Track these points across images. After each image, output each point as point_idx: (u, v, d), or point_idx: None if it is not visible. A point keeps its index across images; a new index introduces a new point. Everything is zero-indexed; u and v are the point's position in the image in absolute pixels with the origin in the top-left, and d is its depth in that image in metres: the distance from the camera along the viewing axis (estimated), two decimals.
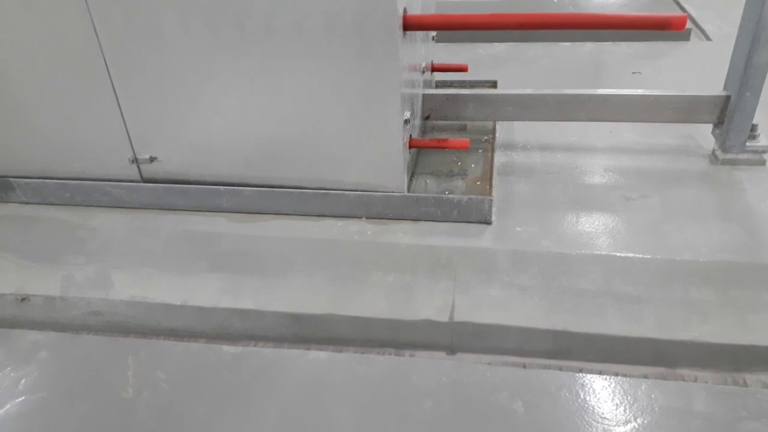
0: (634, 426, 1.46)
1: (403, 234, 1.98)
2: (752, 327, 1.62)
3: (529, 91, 2.27)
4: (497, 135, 2.45)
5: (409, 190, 2.06)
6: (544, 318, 1.69)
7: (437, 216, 2.02)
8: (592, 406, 1.52)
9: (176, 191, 2.16)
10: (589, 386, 1.58)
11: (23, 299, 1.90)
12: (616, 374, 1.62)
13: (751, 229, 1.91)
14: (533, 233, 1.94)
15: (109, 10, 1.84)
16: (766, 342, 1.59)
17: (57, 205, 2.27)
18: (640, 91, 2.21)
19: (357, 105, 1.87)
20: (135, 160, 2.13)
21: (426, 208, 2.02)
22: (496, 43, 3.68)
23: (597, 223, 1.97)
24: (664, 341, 1.62)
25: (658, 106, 2.20)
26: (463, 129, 2.49)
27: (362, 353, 1.74)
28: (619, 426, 1.46)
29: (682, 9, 3.98)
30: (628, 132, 2.48)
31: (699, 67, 3.11)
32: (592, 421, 1.48)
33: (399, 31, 1.74)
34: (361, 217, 2.08)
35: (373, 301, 1.77)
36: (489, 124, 2.50)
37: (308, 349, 1.76)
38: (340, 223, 2.06)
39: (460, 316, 1.71)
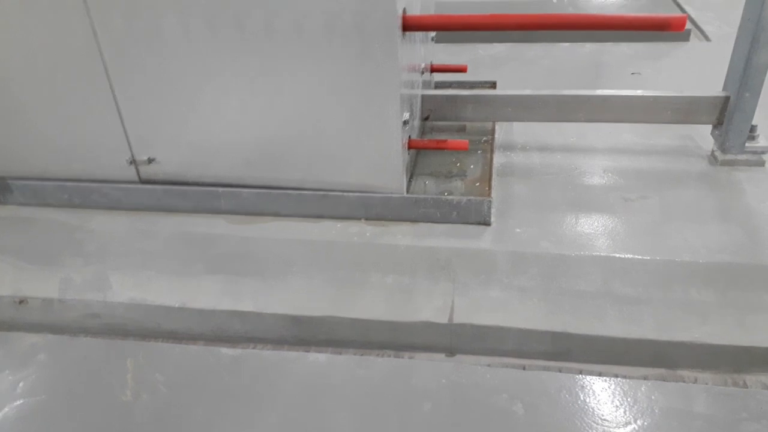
0: (634, 428, 1.46)
1: (403, 235, 1.98)
2: (752, 328, 1.62)
3: (528, 91, 2.27)
4: (496, 136, 2.45)
5: (408, 192, 2.05)
6: (543, 319, 1.68)
7: (436, 217, 2.02)
8: (592, 408, 1.52)
9: (175, 193, 2.15)
10: (588, 388, 1.57)
11: (21, 302, 1.90)
12: (616, 376, 1.62)
13: (751, 230, 1.90)
14: (532, 234, 1.94)
15: (109, 11, 1.84)
16: (766, 343, 1.59)
17: (55, 206, 2.26)
18: (639, 92, 2.21)
19: (356, 106, 1.87)
20: (133, 162, 2.12)
21: (425, 210, 2.02)
22: (495, 44, 3.68)
23: (596, 224, 1.97)
24: (663, 342, 1.62)
25: (657, 106, 2.20)
26: (462, 130, 2.49)
27: (362, 355, 1.74)
28: (619, 428, 1.46)
29: (682, 10, 3.98)
30: (627, 133, 2.48)
31: (698, 68, 3.11)
32: (592, 423, 1.47)
33: (398, 31, 1.74)
34: (360, 219, 2.07)
35: (372, 303, 1.76)
36: (488, 124, 2.50)
37: (307, 351, 1.76)
38: (339, 224, 2.06)
39: (460, 318, 1.70)
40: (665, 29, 1.77)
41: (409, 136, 2.05)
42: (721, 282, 1.74)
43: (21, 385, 1.68)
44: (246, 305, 1.80)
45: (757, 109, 2.12)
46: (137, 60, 1.91)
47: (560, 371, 1.66)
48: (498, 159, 2.34)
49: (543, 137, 2.48)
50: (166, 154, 2.10)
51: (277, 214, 2.12)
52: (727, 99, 2.15)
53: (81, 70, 1.96)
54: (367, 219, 2.07)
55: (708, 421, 1.46)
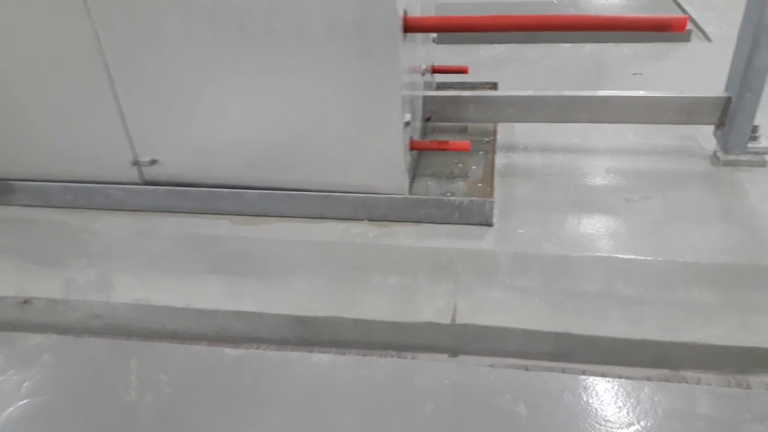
0: (637, 429, 1.46)
1: (405, 236, 1.98)
2: (755, 329, 1.62)
3: (529, 92, 2.27)
4: (498, 137, 2.45)
5: (410, 192, 2.06)
6: (545, 320, 1.68)
7: (438, 218, 2.02)
8: (595, 409, 1.52)
9: (178, 194, 2.16)
10: (591, 389, 1.58)
11: (25, 302, 1.90)
12: (619, 376, 1.62)
13: (753, 231, 1.90)
14: (535, 235, 1.94)
15: (111, 13, 1.85)
16: None
17: (59, 207, 2.27)
18: (641, 93, 2.21)
19: (358, 107, 1.87)
20: (136, 163, 2.13)
21: (427, 210, 2.02)
22: (496, 45, 3.68)
23: (598, 224, 1.97)
24: (666, 343, 1.62)
25: (659, 107, 2.20)
26: (463, 131, 2.49)
27: (364, 356, 1.74)
28: (621, 428, 1.46)
29: (683, 10, 3.98)
30: (629, 133, 2.48)
31: (700, 68, 3.11)
32: (595, 424, 1.47)
33: (399, 33, 1.74)
34: (362, 220, 2.08)
35: (375, 304, 1.77)
36: (490, 125, 2.50)
37: (310, 352, 1.76)
38: (341, 225, 2.06)
39: (462, 319, 1.70)
40: (666, 30, 1.77)
41: (411, 137, 2.05)
42: (724, 283, 1.74)
43: (25, 385, 1.68)
44: (249, 306, 1.80)
45: (759, 109, 2.12)
46: (139, 62, 1.92)
47: (563, 372, 1.66)
48: (500, 160, 2.34)
49: (545, 138, 2.48)
50: (169, 156, 2.11)
51: (279, 215, 2.12)
52: (728, 99, 2.15)
53: (83, 72, 1.97)
54: (369, 220, 2.07)
55: (711, 422, 1.46)
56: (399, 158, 1.95)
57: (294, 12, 1.74)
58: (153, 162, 2.12)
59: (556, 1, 4.15)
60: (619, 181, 2.19)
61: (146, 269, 1.96)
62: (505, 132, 2.54)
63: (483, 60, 3.48)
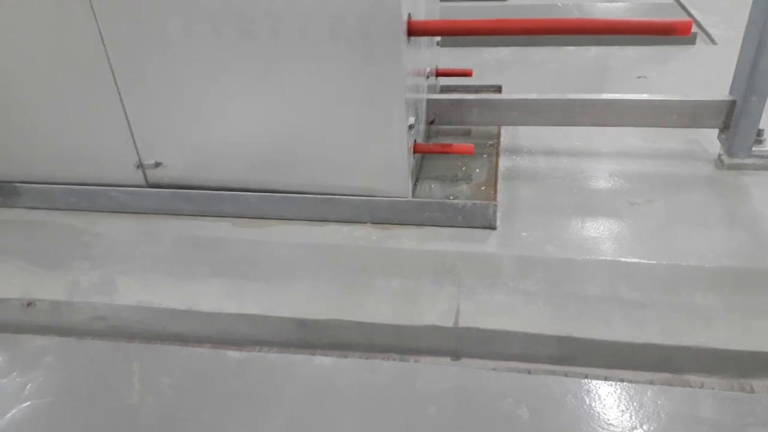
0: None
1: (408, 239, 1.98)
2: (759, 333, 1.61)
3: (533, 95, 2.27)
4: (502, 140, 2.45)
5: (413, 195, 2.06)
6: (549, 323, 1.68)
7: (442, 221, 2.02)
8: (598, 413, 1.51)
9: (181, 196, 2.16)
10: (594, 392, 1.57)
11: (29, 304, 1.91)
12: (622, 380, 1.61)
13: (758, 235, 1.90)
14: (538, 238, 1.93)
15: (115, 15, 1.85)
16: None
17: (62, 210, 2.28)
18: (645, 96, 2.21)
19: (361, 110, 1.87)
20: (140, 166, 2.14)
21: (430, 214, 2.02)
22: (501, 48, 3.68)
23: (602, 228, 1.97)
24: (669, 347, 1.61)
25: (663, 110, 2.20)
26: (467, 134, 2.49)
27: (367, 359, 1.74)
28: None
29: (688, 13, 3.97)
30: (633, 137, 2.47)
31: (704, 71, 3.11)
32: (598, 428, 1.47)
33: (403, 36, 1.75)
34: (365, 223, 2.08)
35: (377, 307, 1.77)
36: (494, 128, 2.50)
37: (313, 355, 1.76)
38: (344, 228, 2.06)
39: (465, 322, 1.70)
40: (671, 34, 1.76)
41: (415, 140, 2.05)
42: (728, 286, 1.73)
43: (28, 386, 1.69)
44: (252, 308, 1.80)
45: (764, 112, 2.11)
46: (144, 64, 1.93)
47: (566, 375, 1.65)
48: (503, 163, 2.34)
49: (548, 141, 2.48)
50: (173, 158, 2.11)
51: (282, 218, 2.12)
52: (733, 103, 2.14)
53: (88, 74, 1.98)
54: (372, 223, 2.07)
55: (714, 426, 1.46)
56: (402, 161, 1.95)
57: (297, 14, 1.74)
58: (157, 165, 2.12)
59: (560, 5, 4.15)
60: (622, 185, 2.19)
61: (149, 272, 1.96)
62: (509, 135, 2.54)
63: (487, 63, 3.48)
